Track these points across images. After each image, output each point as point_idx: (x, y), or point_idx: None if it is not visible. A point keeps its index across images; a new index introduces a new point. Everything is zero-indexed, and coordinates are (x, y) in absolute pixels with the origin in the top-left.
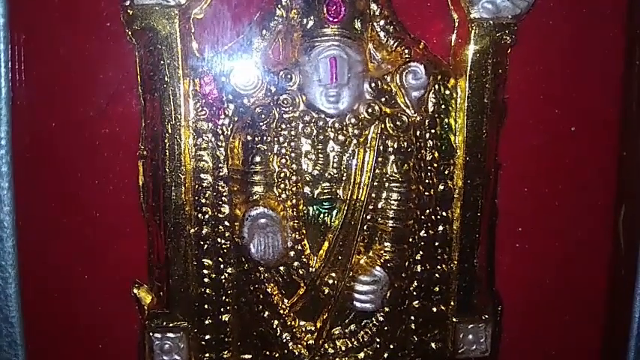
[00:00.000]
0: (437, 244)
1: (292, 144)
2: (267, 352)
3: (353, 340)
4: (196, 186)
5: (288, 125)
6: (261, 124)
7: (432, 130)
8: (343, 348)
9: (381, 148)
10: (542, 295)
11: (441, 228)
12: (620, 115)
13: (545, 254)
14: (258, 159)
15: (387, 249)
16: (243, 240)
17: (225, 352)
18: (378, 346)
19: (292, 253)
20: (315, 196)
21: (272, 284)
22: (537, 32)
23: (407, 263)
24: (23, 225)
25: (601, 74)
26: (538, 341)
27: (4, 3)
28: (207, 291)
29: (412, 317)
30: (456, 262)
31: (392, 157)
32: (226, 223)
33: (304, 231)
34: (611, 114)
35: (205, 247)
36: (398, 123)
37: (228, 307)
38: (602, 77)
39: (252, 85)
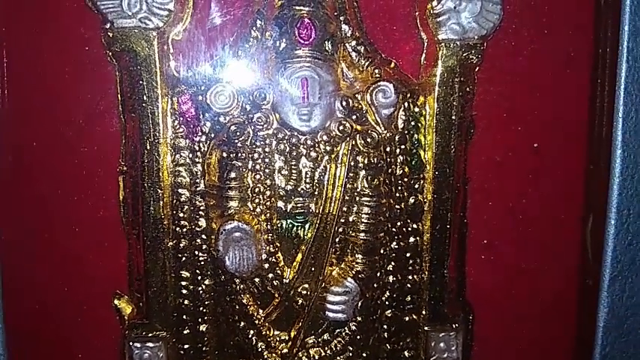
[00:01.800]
0: (408, 255)
1: (266, 160)
2: None
3: (326, 348)
4: (174, 201)
5: (262, 142)
6: (236, 141)
7: (402, 146)
8: (317, 357)
9: (352, 163)
10: (512, 305)
11: (412, 240)
12: (587, 129)
13: (513, 266)
14: (233, 175)
15: (358, 261)
16: (218, 253)
17: None
18: (351, 354)
19: (266, 265)
20: (288, 211)
21: (247, 295)
22: (503, 51)
23: (378, 274)
24: (5, 239)
25: (567, 90)
26: (508, 349)
27: None
28: (185, 302)
29: (385, 326)
30: (426, 273)
31: (362, 173)
32: (203, 236)
33: (278, 244)
34: (578, 129)
35: (183, 260)
36: (368, 139)
37: (205, 318)
38: (568, 93)
39: (228, 103)
